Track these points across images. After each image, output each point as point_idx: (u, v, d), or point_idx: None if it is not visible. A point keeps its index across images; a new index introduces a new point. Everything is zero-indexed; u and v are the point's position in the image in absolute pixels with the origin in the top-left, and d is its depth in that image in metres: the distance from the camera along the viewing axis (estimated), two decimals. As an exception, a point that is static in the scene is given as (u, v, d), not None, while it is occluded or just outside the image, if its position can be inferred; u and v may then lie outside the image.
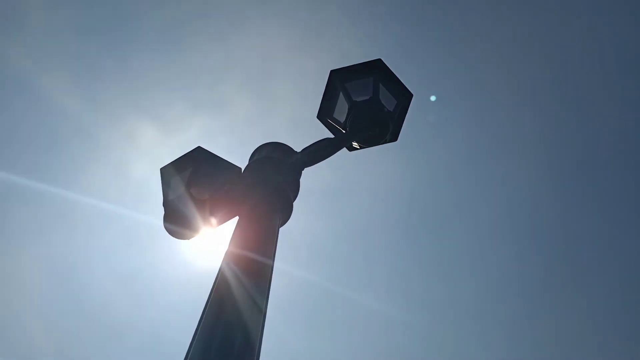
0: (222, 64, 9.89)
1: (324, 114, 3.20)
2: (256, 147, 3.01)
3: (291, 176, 2.73)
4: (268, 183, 2.58)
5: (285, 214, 2.57)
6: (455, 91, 10.72)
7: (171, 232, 2.97)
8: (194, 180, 3.11)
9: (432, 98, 3.04)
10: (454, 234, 10.82)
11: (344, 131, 3.00)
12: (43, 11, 9.09)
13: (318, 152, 2.87)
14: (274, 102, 9.83)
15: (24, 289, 9.96)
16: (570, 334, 10.83)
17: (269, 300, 1.97)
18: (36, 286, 9.83)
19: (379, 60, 3.14)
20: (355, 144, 3.12)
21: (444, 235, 10.85)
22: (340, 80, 3.13)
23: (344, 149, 3.27)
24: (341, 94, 3.10)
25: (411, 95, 3.19)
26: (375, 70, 3.12)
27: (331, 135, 3.13)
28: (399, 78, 3.18)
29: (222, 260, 2.09)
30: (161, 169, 3.28)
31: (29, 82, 9.28)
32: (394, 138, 3.22)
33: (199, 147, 3.24)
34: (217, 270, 2.04)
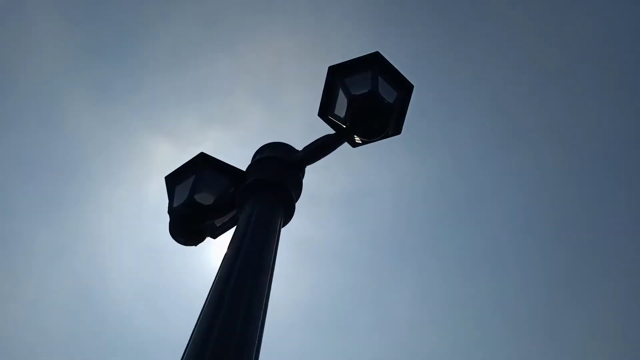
0: (231, 74, 9.95)
1: (325, 112, 3.16)
2: (257, 148, 2.99)
3: (292, 174, 2.70)
4: (268, 182, 2.55)
5: (287, 212, 2.53)
6: (467, 86, 10.62)
7: (177, 239, 2.96)
8: (198, 186, 3.10)
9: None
10: (477, 229, 10.66)
11: (344, 126, 2.95)
12: (54, 34, 9.24)
13: (319, 149, 2.83)
14: (285, 108, 9.84)
15: (49, 308, 10.07)
16: (599, 327, 10.58)
17: (269, 299, 1.94)
18: (60, 305, 9.93)
19: (377, 53, 3.10)
20: (357, 140, 3.08)
21: (468, 232, 10.70)
22: (339, 76, 3.09)
23: (349, 146, 3.25)
24: (340, 89, 3.06)
25: (412, 87, 3.13)
26: (374, 63, 3.07)
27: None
28: (399, 70, 3.13)
29: (222, 259, 2.06)
30: (165, 178, 3.27)
31: (42, 105, 9.43)
32: (397, 131, 3.16)
33: (201, 153, 3.23)
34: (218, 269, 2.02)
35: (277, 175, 2.62)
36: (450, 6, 10.70)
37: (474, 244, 10.71)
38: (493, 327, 10.49)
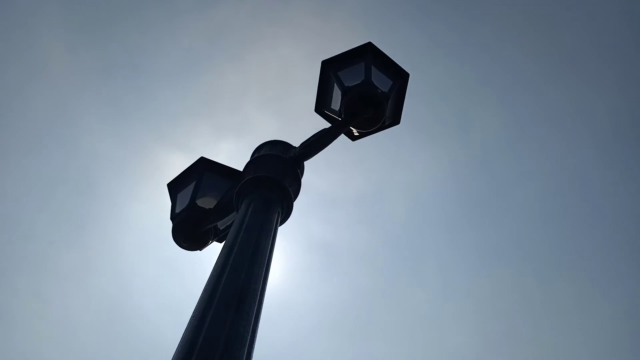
0: (240, 84, 9.99)
1: (321, 107, 3.14)
2: (255, 147, 2.97)
3: (289, 171, 2.66)
4: (263, 179, 2.52)
5: (284, 209, 2.50)
6: (476, 79, 10.50)
7: (181, 244, 2.95)
8: (199, 190, 3.10)
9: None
10: (496, 222, 10.50)
11: (339, 119, 2.92)
12: (64, 57, 9.40)
13: (315, 143, 2.80)
14: (295, 114, 9.83)
15: (78, 326, 10.18)
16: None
17: (264, 296, 1.91)
18: (89, 322, 10.03)
19: (369, 43, 3.06)
20: (355, 132, 3.04)
21: (486, 226, 10.54)
22: (332, 70, 3.06)
23: (350, 140, 3.21)
24: (335, 83, 3.03)
25: (407, 75, 3.09)
26: (367, 54, 3.04)
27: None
28: (393, 60, 3.09)
29: (218, 256, 2.04)
30: (168, 185, 3.28)
31: (57, 127, 9.58)
32: (395, 121, 3.12)
33: (201, 157, 3.23)
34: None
35: (273, 172, 2.59)
36: (455, 5, 10.59)
37: (493, 238, 10.55)
38: (517, 321, 10.30)
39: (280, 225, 2.48)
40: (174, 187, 3.24)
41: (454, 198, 10.41)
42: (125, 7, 9.98)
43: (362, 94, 2.80)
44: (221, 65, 10.30)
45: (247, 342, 1.62)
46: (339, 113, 2.94)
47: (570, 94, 10.46)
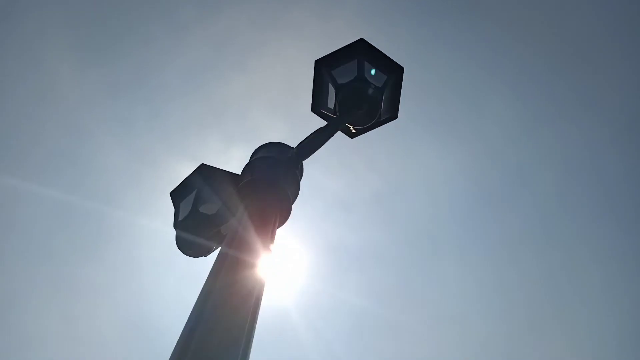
0: (247, 91, 10.03)
1: (318, 106, 3.13)
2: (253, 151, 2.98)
3: (285, 172, 2.66)
4: (259, 182, 2.52)
5: (282, 210, 2.49)
6: (486, 69, 10.42)
7: (185, 252, 2.97)
8: (201, 197, 3.11)
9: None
10: (516, 212, 10.39)
11: (334, 117, 2.91)
12: (71, 78, 9.53)
13: (311, 142, 2.79)
14: (303, 117, 9.82)
15: (104, 343, 10.28)
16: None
17: (261, 297, 1.90)
18: (115, 339, 10.13)
19: (361, 40, 3.05)
20: (352, 129, 3.03)
21: (507, 216, 10.43)
22: (326, 68, 3.06)
23: (348, 137, 3.20)
24: (329, 81, 3.03)
25: (402, 69, 3.08)
26: (359, 50, 3.03)
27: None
28: (386, 54, 3.07)
29: (214, 261, 2.04)
30: (170, 194, 3.29)
31: (71, 148, 9.71)
32: (393, 115, 3.11)
33: (202, 164, 3.24)
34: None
35: (269, 174, 2.59)
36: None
37: (514, 228, 10.43)
38: (545, 309, 10.16)
39: (279, 227, 2.47)
40: (177, 195, 3.26)
41: (471, 190, 10.32)
42: (129, 25, 10.09)
43: (355, 90, 2.80)
44: (226, 73, 10.36)
45: (242, 344, 1.62)
46: (334, 111, 2.94)
47: (584, 83, 10.31)
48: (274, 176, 2.58)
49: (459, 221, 10.45)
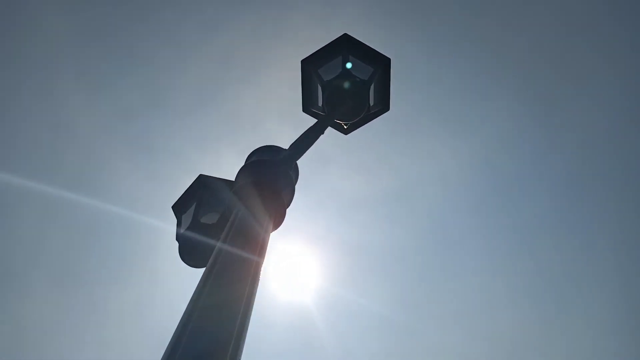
0: (256, 102, 10.08)
1: (309, 106, 3.12)
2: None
3: (278, 174, 2.64)
4: (253, 185, 2.51)
5: (276, 213, 2.46)
6: (493, 58, 10.29)
7: (188, 262, 2.98)
8: (202, 208, 3.12)
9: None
10: (533, 200, 10.20)
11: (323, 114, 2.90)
12: (83, 107, 9.71)
13: (302, 141, 2.78)
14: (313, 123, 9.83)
15: (124, 351, 10.37)
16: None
17: (252, 300, 1.89)
18: (133, 346, 10.21)
19: (345, 35, 3.04)
20: (344, 124, 3.01)
21: (524, 205, 10.25)
22: (313, 67, 3.05)
23: (342, 133, 3.18)
24: (316, 80, 3.02)
25: (388, 60, 3.05)
26: (344, 45, 3.02)
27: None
28: (371, 47, 3.05)
29: (206, 267, 2.03)
30: (172, 207, 3.31)
31: (90, 177, 9.87)
32: (385, 107, 3.08)
33: (200, 175, 3.26)
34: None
35: (262, 177, 2.58)
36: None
37: (533, 216, 10.24)
38: (569, 293, 9.94)
39: (274, 230, 2.46)
40: (178, 208, 3.28)
41: (484, 181, 10.18)
42: (135, 51, 10.25)
43: (339, 86, 2.78)
44: (234, 86, 10.43)
45: (230, 349, 1.61)
46: (322, 108, 2.92)
47: (596, 62, 10.11)
48: (266, 179, 2.56)
49: (472, 212, 10.30)
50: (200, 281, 1.91)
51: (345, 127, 3.01)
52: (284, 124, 10.31)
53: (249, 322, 1.82)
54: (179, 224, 3.20)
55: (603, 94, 10.09)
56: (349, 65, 2.83)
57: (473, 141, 9.92)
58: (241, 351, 1.68)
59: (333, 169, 10.00)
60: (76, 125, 9.88)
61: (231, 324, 1.69)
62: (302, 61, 3.07)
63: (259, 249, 2.15)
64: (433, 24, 10.22)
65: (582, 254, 9.98)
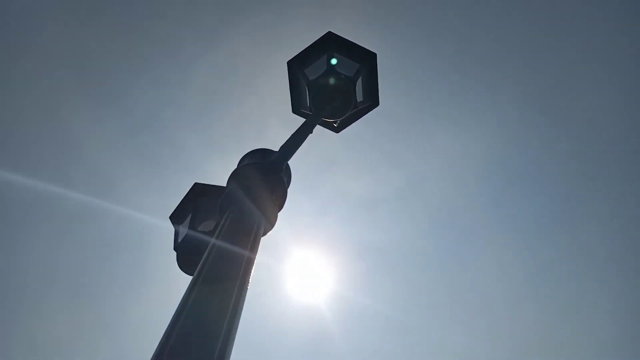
0: (259, 109, 10.10)
1: (298, 107, 3.11)
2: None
3: (269, 176, 2.63)
4: (241, 189, 2.50)
5: (267, 216, 2.44)
6: (496, 49, 10.21)
7: (187, 271, 2.97)
8: (198, 216, 3.12)
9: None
10: (544, 190, 10.08)
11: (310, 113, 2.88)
12: (88, 126, 9.80)
13: (291, 142, 2.77)
14: (318, 128, 9.82)
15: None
16: None
17: (239, 306, 1.88)
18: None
19: (329, 33, 3.02)
20: (334, 122, 3.00)
21: (535, 195, 10.14)
22: (299, 68, 3.04)
23: (332, 131, 3.16)
24: (303, 80, 3.01)
25: (374, 55, 3.03)
26: (328, 44, 3.00)
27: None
28: (356, 43, 3.03)
29: (198, 266, 2.03)
30: (170, 217, 3.32)
31: (99, 197, 9.94)
32: (374, 102, 3.06)
33: (195, 183, 3.26)
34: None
35: (251, 181, 2.56)
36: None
37: (544, 206, 10.11)
38: (588, 282, 9.79)
39: (264, 235, 2.44)
40: (176, 218, 3.28)
41: (495, 170, 10.09)
42: (136, 66, 10.34)
43: (323, 84, 2.77)
44: (237, 96, 10.47)
45: (216, 351, 1.60)
46: (309, 108, 2.91)
47: (598, 44, 9.99)
48: (255, 182, 2.55)
49: (486, 204, 10.21)
50: (190, 282, 1.91)
51: (335, 125, 2.98)
52: (288, 129, 10.30)
53: (238, 322, 1.81)
54: (176, 234, 3.20)
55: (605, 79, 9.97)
56: (334, 61, 2.81)
57: (479, 131, 9.84)
58: (230, 348, 1.68)
59: (338, 170, 9.98)
60: (80, 145, 9.97)
61: (219, 324, 1.69)
62: (288, 62, 3.06)
63: (248, 253, 2.13)
64: (434, 19, 10.18)
65: (602, 243, 9.84)
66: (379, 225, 9.93)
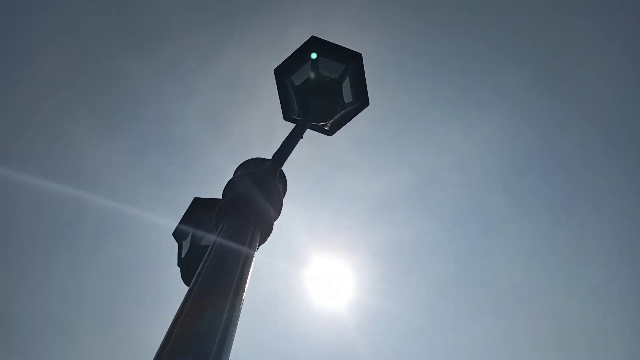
0: (266, 120, 10.14)
1: (288, 113, 3.13)
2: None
3: (263, 185, 2.64)
4: (236, 200, 2.51)
5: (262, 225, 2.45)
6: (499, 40, 10.15)
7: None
8: (200, 230, 3.14)
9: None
10: (556, 175, 9.96)
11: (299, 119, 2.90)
12: (97, 147, 9.92)
13: (283, 149, 2.78)
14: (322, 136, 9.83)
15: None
16: None
17: (235, 312, 1.89)
18: None
19: (312, 37, 3.04)
20: (325, 126, 3.01)
21: (547, 181, 10.02)
22: (285, 75, 3.06)
23: (326, 135, 3.17)
24: (290, 87, 3.02)
25: (359, 55, 3.03)
26: (313, 48, 3.01)
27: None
28: (340, 45, 3.04)
29: (196, 275, 2.05)
30: (173, 234, 3.35)
31: (114, 217, 10.05)
32: (364, 102, 3.06)
33: (195, 198, 3.28)
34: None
35: (245, 190, 2.58)
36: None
37: (558, 191, 10.00)
38: (613, 263, 9.64)
39: (262, 243, 2.45)
40: (178, 234, 3.30)
41: (506, 160, 10.01)
42: (140, 85, 10.46)
43: (309, 88, 2.78)
44: (242, 108, 10.54)
45: (212, 355, 1.63)
46: (298, 113, 2.92)
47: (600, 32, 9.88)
48: (250, 192, 2.56)
49: (501, 194, 10.12)
50: (184, 299, 1.94)
51: (326, 128, 2.99)
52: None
53: (234, 329, 1.83)
54: (180, 250, 3.23)
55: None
56: (314, 55, 2.81)
57: (486, 123, 9.78)
58: (228, 349, 1.71)
59: (349, 174, 9.97)
60: (90, 166, 10.09)
61: (212, 333, 1.71)
62: (275, 70, 3.08)
63: (242, 262, 2.15)
64: (423, 20, 10.16)
65: (622, 226, 9.69)
66: (396, 225, 9.90)
